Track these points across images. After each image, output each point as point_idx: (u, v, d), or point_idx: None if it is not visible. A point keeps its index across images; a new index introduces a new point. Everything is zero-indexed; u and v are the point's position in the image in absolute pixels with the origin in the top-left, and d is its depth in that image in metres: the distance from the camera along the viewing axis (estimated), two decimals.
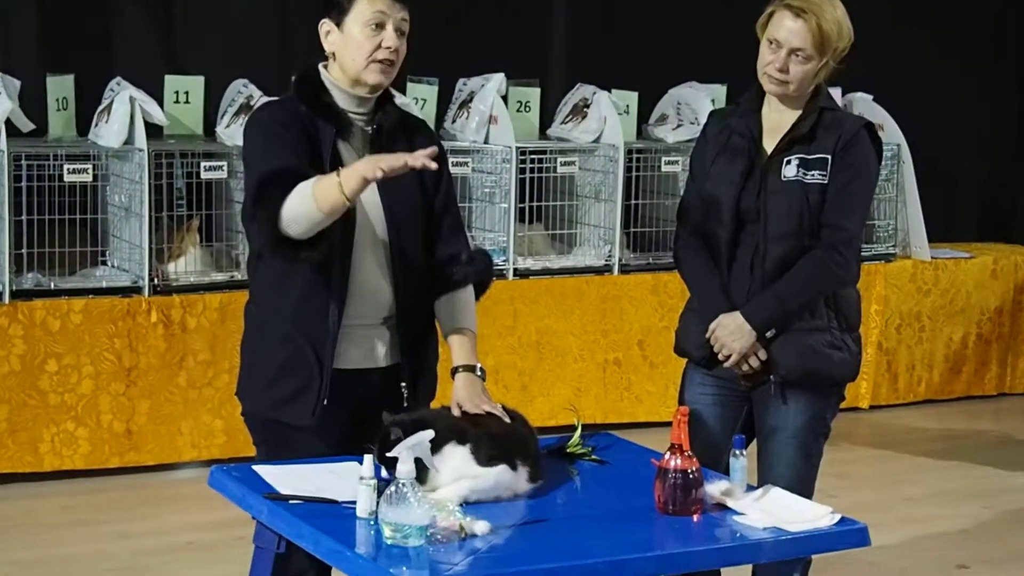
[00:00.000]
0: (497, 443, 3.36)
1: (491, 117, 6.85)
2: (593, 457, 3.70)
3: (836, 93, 6.90)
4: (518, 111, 7.08)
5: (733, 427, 4.11)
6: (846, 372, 4.09)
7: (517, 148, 6.76)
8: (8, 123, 5.99)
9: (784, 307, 3.99)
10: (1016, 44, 8.94)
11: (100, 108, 6.30)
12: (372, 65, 3.57)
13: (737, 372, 4.06)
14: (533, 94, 7.15)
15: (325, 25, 3.62)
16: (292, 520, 3.17)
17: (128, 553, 5.33)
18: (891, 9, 8.35)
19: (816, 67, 3.97)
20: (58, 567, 5.20)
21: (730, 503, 3.34)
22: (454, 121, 6.97)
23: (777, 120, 4.06)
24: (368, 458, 3.16)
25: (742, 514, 3.29)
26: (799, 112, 4.04)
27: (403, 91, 6.70)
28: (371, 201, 3.58)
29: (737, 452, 3.49)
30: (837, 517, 3.30)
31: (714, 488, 3.36)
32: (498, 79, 6.88)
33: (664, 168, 7.10)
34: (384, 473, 3.19)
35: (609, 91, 7.10)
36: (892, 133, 7.53)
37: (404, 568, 2.89)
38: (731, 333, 4.01)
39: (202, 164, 6.22)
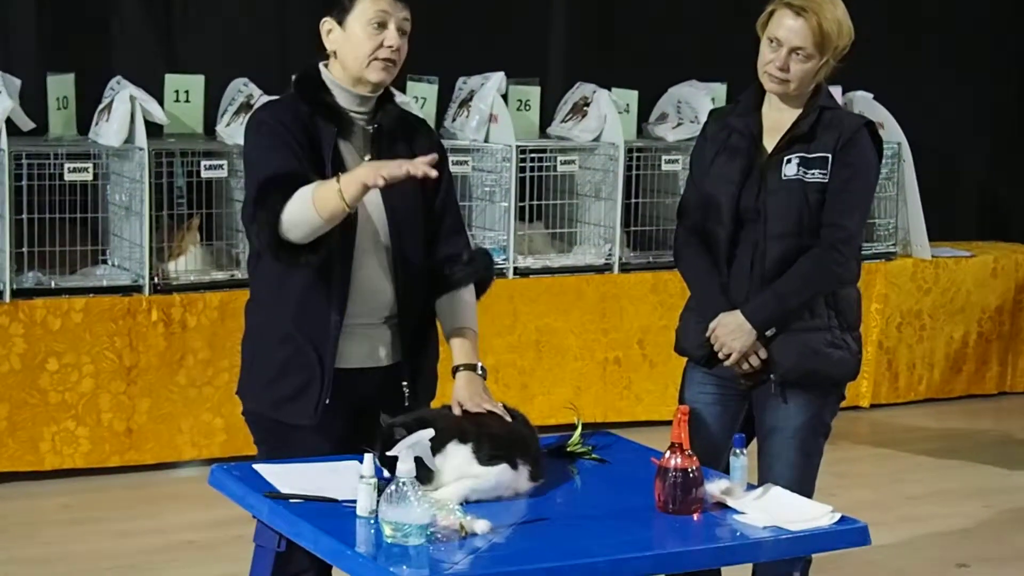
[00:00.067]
0: (498, 442, 3.36)
1: (491, 116, 6.85)
2: (593, 456, 3.70)
3: (836, 92, 6.89)
4: (518, 110, 7.08)
5: (733, 426, 4.11)
6: (846, 371, 4.09)
7: (517, 147, 6.76)
8: (8, 122, 6.00)
9: (784, 306, 3.99)
10: (1016, 42, 8.94)
11: (100, 107, 6.30)
12: (374, 64, 3.57)
13: (737, 371, 4.06)
14: (533, 93, 7.15)
15: (327, 23, 3.62)
16: (292, 519, 3.17)
17: (128, 552, 5.34)
18: (891, 7, 8.35)
19: (816, 66, 3.98)
20: (58, 566, 5.20)
21: (730, 502, 3.34)
22: (454, 120, 6.97)
23: (777, 119, 4.06)
24: (368, 457, 3.16)
25: (742, 513, 3.29)
26: (799, 111, 4.04)
27: (403, 90, 6.70)
28: (372, 201, 3.58)
29: (737, 451, 3.49)
30: (837, 516, 3.30)
31: (714, 487, 3.36)
32: (498, 78, 6.88)
33: (664, 167, 7.10)
34: (385, 472, 3.19)
35: (609, 90, 7.10)
36: (892, 132, 7.53)
37: (404, 567, 2.89)
38: (731, 332, 4.01)
39: (202, 163, 6.22)
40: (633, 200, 7.05)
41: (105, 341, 6.02)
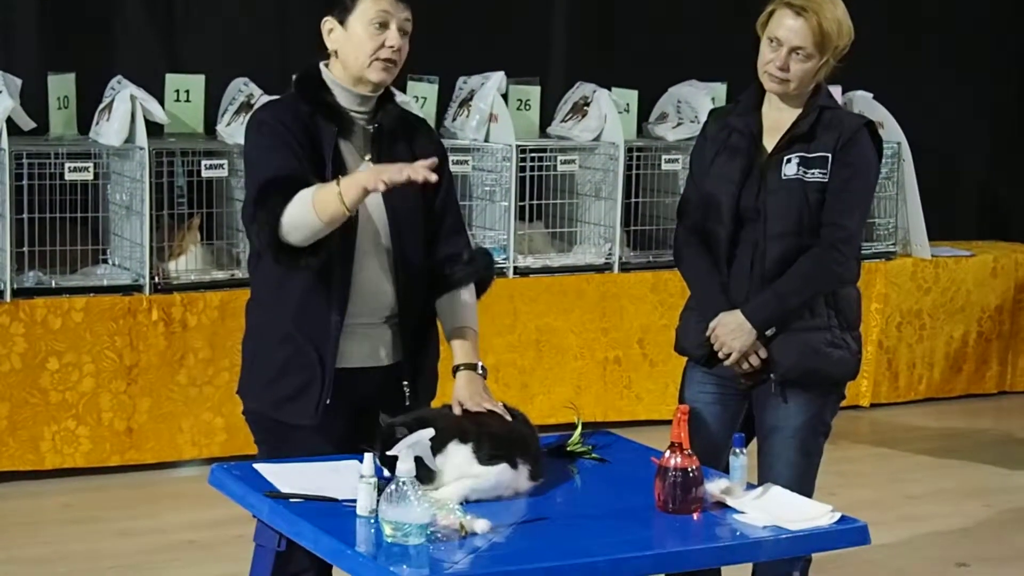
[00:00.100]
0: (498, 442, 3.36)
1: (491, 115, 6.85)
2: (593, 455, 3.70)
3: (836, 91, 6.90)
4: (518, 109, 7.08)
5: (733, 425, 4.11)
6: (846, 371, 4.10)
7: (517, 146, 6.76)
8: (9, 121, 6.00)
9: (784, 305, 3.99)
10: (1016, 42, 8.94)
11: (101, 106, 6.30)
12: (375, 64, 3.57)
13: (737, 371, 4.06)
14: (533, 92, 7.15)
15: (328, 23, 3.62)
16: (292, 518, 3.17)
17: (129, 551, 5.34)
18: (891, 7, 8.36)
19: (816, 65, 3.98)
20: (59, 565, 5.20)
21: (730, 501, 3.34)
22: (454, 119, 6.97)
23: (777, 118, 4.06)
24: (368, 456, 3.16)
25: (742, 512, 3.29)
26: (799, 110, 4.04)
27: (403, 89, 6.70)
28: (373, 201, 3.58)
29: (737, 450, 3.49)
30: (837, 515, 3.30)
31: (714, 486, 3.36)
32: (498, 77, 6.88)
33: (664, 166, 7.10)
34: (385, 472, 3.19)
35: (609, 89, 7.10)
36: (892, 131, 7.53)
37: (404, 566, 2.90)
38: (731, 331, 4.01)
39: (203, 162, 6.23)
40: (633, 200, 7.06)
41: (106, 340, 6.02)
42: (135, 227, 6.14)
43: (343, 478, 3.30)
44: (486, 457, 3.31)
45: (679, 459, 3.29)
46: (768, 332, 4.01)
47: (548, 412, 6.53)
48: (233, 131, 6.32)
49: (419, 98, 6.82)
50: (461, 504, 3.18)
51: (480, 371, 3.62)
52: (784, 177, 3.99)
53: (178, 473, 6.23)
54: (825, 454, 4.15)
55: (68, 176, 6.00)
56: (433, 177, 3.34)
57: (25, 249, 5.99)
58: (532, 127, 7.12)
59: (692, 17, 7.92)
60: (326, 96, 3.62)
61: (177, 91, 6.55)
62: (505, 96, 6.96)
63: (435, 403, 3.71)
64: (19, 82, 6.19)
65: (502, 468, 3.32)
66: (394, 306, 3.64)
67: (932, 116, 8.36)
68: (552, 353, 6.89)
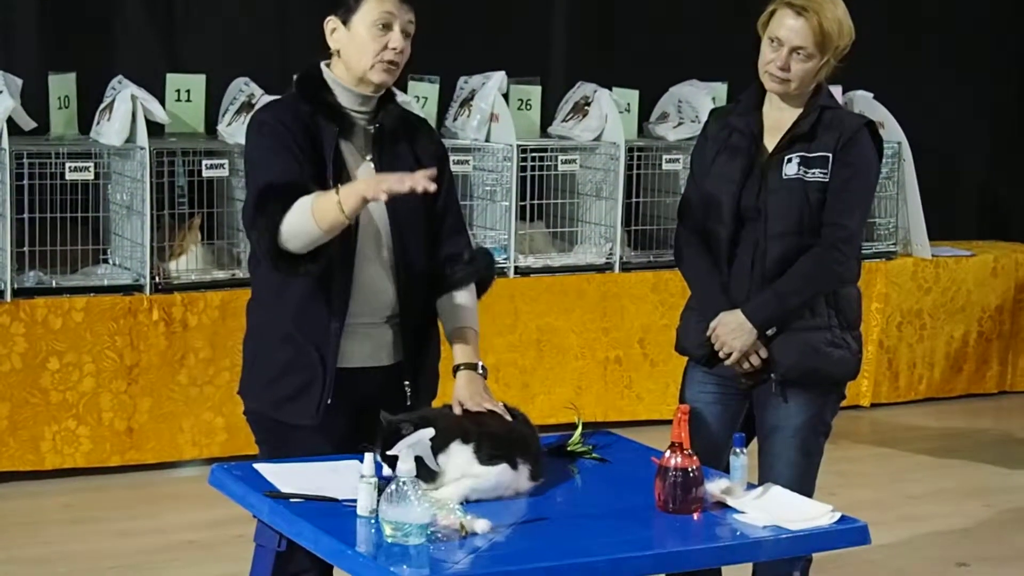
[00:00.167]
0: (498, 442, 3.36)
1: (492, 115, 6.85)
2: (594, 455, 3.71)
3: (837, 91, 6.90)
4: (519, 109, 7.08)
5: (733, 425, 4.11)
6: (846, 370, 4.10)
7: (518, 146, 6.76)
8: (10, 121, 6.00)
9: (784, 305, 3.99)
10: (1016, 42, 8.95)
11: (102, 106, 6.30)
12: (378, 65, 3.57)
13: (737, 370, 4.07)
14: (534, 92, 7.15)
15: (331, 22, 3.62)
16: (292, 518, 3.17)
17: (129, 551, 5.34)
18: (892, 7, 8.36)
19: (817, 65, 3.98)
20: (59, 565, 5.20)
21: (730, 501, 3.34)
22: (455, 119, 6.97)
23: (778, 118, 4.06)
24: (369, 456, 3.16)
25: (742, 512, 3.29)
26: (800, 110, 4.04)
27: (404, 89, 6.70)
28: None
29: (737, 450, 3.49)
30: (837, 515, 3.31)
31: (714, 486, 3.36)
32: (499, 77, 6.88)
33: (665, 166, 7.10)
34: (385, 471, 3.19)
35: (610, 89, 7.10)
36: (893, 131, 7.53)
37: (404, 566, 2.90)
38: (732, 331, 4.01)
39: (203, 162, 6.23)
40: (634, 199, 7.06)
41: (106, 340, 6.02)
42: (136, 227, 6.14)
43: (343, 478, 3.30)
44: (486, 457, 3.31)
45: (679, 459, 3.29)
46: (769, 332, 4.01)
47: (549, 412, 6.54)
48: (234, 131, 6.32)
49: (420, 98, 6.82)
50: (461, 504, 3.18)
51: (480, 371, 3.62)
52: (785, 177, 3.99)
53: (178, 473, 6.24)
54: (825, 454, 4.15)
55: (69, 176, 6.00)
56: (432, 187, 3.34)
57: (26, 249, 5.99)
58: (533, 127, 7.12)
59: (692, 17, 7.93)
60: (327, 96, 3.62)
61: (178, 91, 6.55)
62: (506, 96, 6.96)
63: (436, 403, 3.71)
64: (20, 82, 6.19)
65: (502, 468, 3.32)
66: (395, 306, 3.64)
67: (932, 116, 8.36)
68: (553, 353, 6.89)
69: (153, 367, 6.11)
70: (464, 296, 3.72)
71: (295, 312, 3.57)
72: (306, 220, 3.39)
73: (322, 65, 3.66)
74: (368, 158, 3.63)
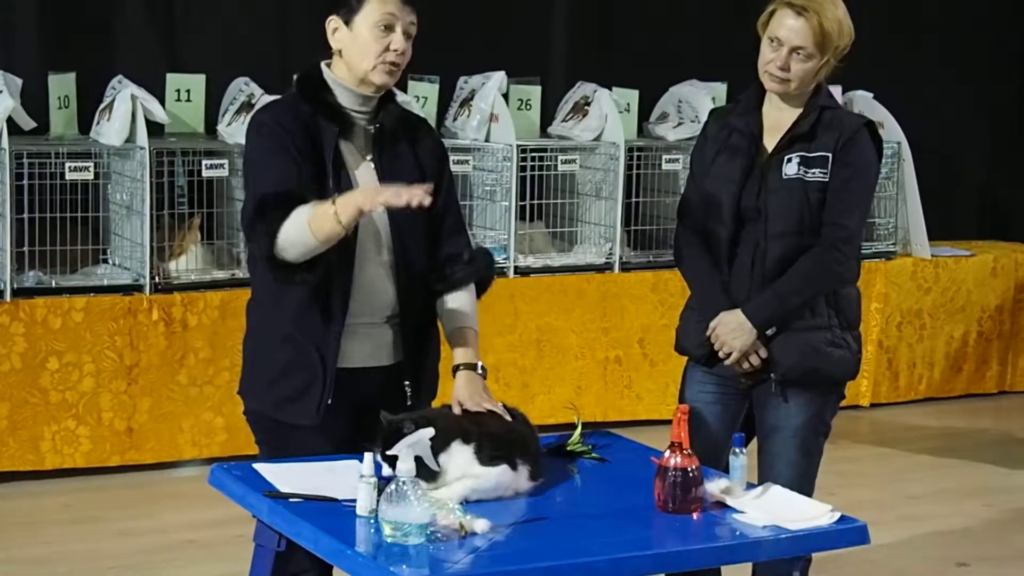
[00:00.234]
0: (498, 442, 3.36)
1: (492, 115, 6.85)
2: (593, 455, 3.71)
3: (836, 91, 6.90)
4: (519, 109, 7.08)
5: (733, 425, 4.11)
6: (846, 370, 4.10)
7: (518, 146, 6.76)
8: (10, 121, 6.00)
9: (784, 305, 3.99)
10: (1016, 42, 8.95)
11: (101, 106, 6.30)
12: (379, 67, 3.57)
13: (737, 370, 4.06)
14: (534, 92, 7.15)
15: (333, 22, 3.61)
16: (292, 518, 3.17)
17: (129, 551, 5.34)
18: (891, 7, 8.36)
19: (817, 65, 3.98)
20: (59, 565, 5.20)
21: (730, 501, 3.34)
22: (455, 119, 6.97)
23: (778, 118, 4.06)
24: (368, 456, 3.16)
25: (742, 512, 3.29)
26: (800, 110, 4.04)
27: (404, 89, 6.70)
28: None
29: (737, 450, 3.49)
30: (837, 515, 3.31)
31: (714, 486, 3.36)
32: (499, 77, 6.88)
33: (665, 166, 7.10)
34: (385, 470, 3.19)
35: (610, 89, 7.10)
36: (892, 131, 7.53)
37: (404, 566, 2.90)
38: (732, 331, 4.01)
39: (203, 162, 6.23)
40: (634, 199, 7.06)
41: (106, 340, 6.02)
42: (135, 227, 6.14)
43: (343, 478, 3.30)
44: (487, 458, 3.31)
45: (679, 459, 3.29)
46: (768, 332, 4.01)
47: (548, 412, 6.54)
48: (234, 131, 6.32)
49: (420, 98, 6.82)
50: (461, 504, 3.18)
51: (480, 371, 3.62)
52: (785, 177, 3.99)
53: (178, 473, 6.24)
54: (825, 454, 4.15)
55: (69, 176, 6.00)
56: (428, 201, 3.33)
57: (25, 249, 5.99)
58: (533, 127, 7.12)
59: (692, 17, 7.93)
60: (327, 96, 3.61)
61: (178, 91, 6.55)
62: (506, 96, 6.96)
63: (435, 403, 3.71)
64: (19, 82, 6.19)
65: (502, 469, 3.32)
66: (395, 306, 3.64)
67: (932, 116, 8.36)
68: (552, 353, 6.89)
69: (153, 367, 6.11)
70: (464, 296, 3.72)
71: (295, 312, 3.57)
72: (303, 231, 3.40)
73: (322, 65, 3.66)
74: (368, 158, 3.63)
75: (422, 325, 3.70)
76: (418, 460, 3.12)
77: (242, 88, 6.56)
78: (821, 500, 3.44)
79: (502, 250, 6.74)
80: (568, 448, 3.72)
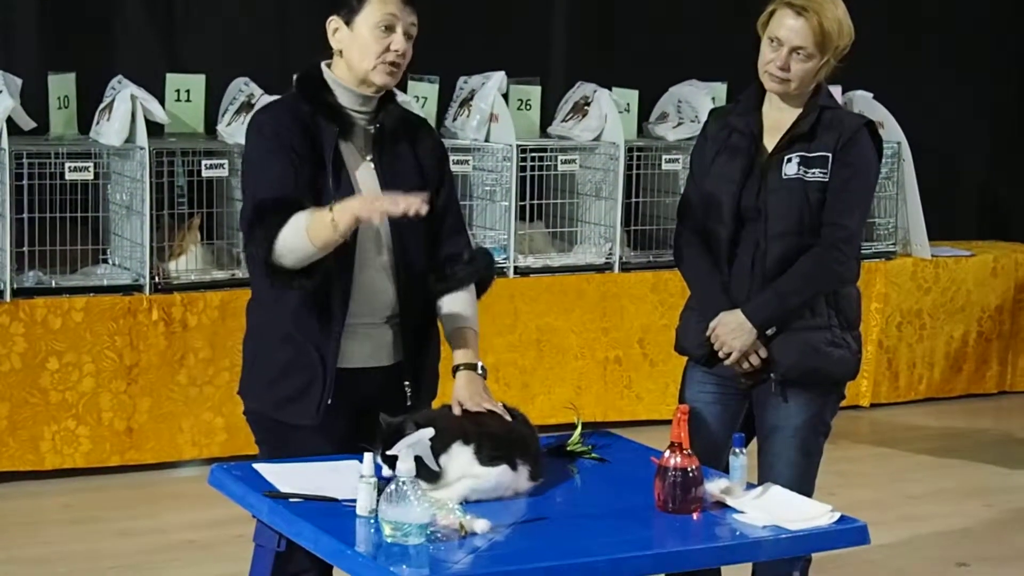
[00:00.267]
0: (498, 442, 3.36)
1: (492, 115, 6.85)
2: (593, 455, 3.70)
3: (836, 91, 6.90)
4: (519, 109, 7.08)
5: (733, 425, 4.11)
6: (846, 370, 4.10)
7: (518, 146, 6.76)
8: (9, 121, 6.00)
9: (784, 305, 3.99)
10: (1016, 42, 8.95)
11: (101, 106, 6.30)
12: (380, 67, 3.56)
13: (737, 370, 4.06)
14: (534, 92, 7.15)
15: (333, 22, 3.61)
16: (292, 518, 3.17)
17: (129, 551, 5.34)
18: (891, 7, 8.36)
19: (817, 65, 3.98)
20: (59, 565, 5.20)
21: (730, 501, 3.34)
22: (455, 119, 6.97)
23: (777, 118, 4.06)
24: (368, 456, 3.16)
25: (742, 512, 3.29)
26: (799, 110, 4.04)
27: (404, 89, 6.70)
28: None
29: (737, 450, 3.49)
30: (837, 515, 3.30)
31: (714, 486, 3.36)
32: (499, 77, 6.88)
33: (665, 166, 7.10)
34: (385, 471, 3.19)
35: (610, 89, 7.10)
36: (892, 131, 7.53)
37: (404, 566, 2.90)
38: (731, 331, 4.01)
39: (203, 162, 6.23)
40: (633, 199, 7.06)
41: (106, 340, 6.02)
42: (135, 227, 6.14)
43: (343, 478, 3.30)
44: (487, 458, 3.31)
45: (679, 459, 3.29)
46: (768, 331, 4.01)
47: (548, 412, 6.54)
48: (234, 131, 6.32)
49: (420, 98, 6.82)
50: (461, 504, 3.18)
51: (480, 371, 3.62)
52: (785, 177, 3.99)
53: (178, 473, 6.23)
54: (825, 454, 4.15)
55: (68, 176, 6.00)
56: (425, 209, 3.33)
57: (25, 249, 5.99)
58: (532, 127, 7.12)
59: (692, 17, 7.93)
60: (327, 96, 3.61)
61: (177, 91, 6.55)
62: (506, 96, 6.96)
63: (436, 403, 3.71)
64: (19, 82, 6.19)
65: (502, 469, 3.32)
66: (395, 306, 3.64)
67: (932, 116, 8.36)
68: (552, 353, 6.89)
69: (153, 367, 6.11)
70: (464, 296, 3.71)
71: (295, 312, 3.56)
72: (301, 237, 3.40)
73: (322, 65, 3.66)
74: (368, 158, 3.63)
75: (422, 325, 3.70)
76: (418, 460, 3.12)
77: (242, 88, 6.56)
78: (821, 500, 3.44)
79: (502, 250, 6.74)
80: (568, 448, 3.72)
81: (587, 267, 7.01)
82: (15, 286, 5.95)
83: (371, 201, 3.35)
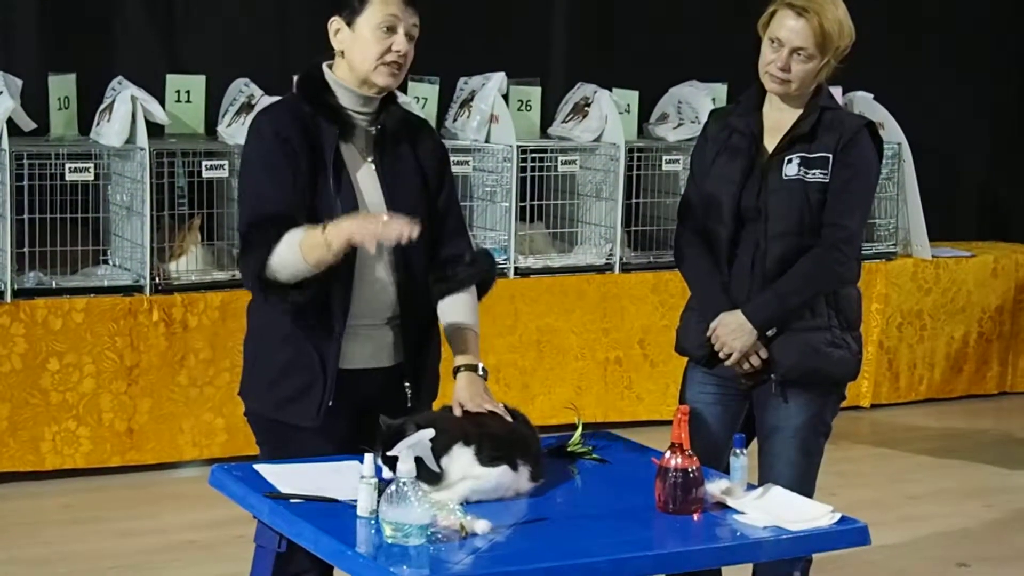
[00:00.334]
0: (499, 443, 3.36)
1: (492, 116, 6.85)
2: (594, 456, 3.70)
3: (837, 92, 6.90)
4: (519, 110, 7.09)
5: (733, 426, 4.11)
6: (846, 371, 4.10)
7: (518, 147, 6.76)
8: (10, 122, 6.00)
9: (785, 306, 3.99)
10: (1017, 42, 8.95)
11: (102, 107, 6.30)
12: (381, 68, 3.56)
13: (738, 371, 4.06)
14: (534, 93, 7.15)
15: (335, 23, 3.61)
16: (293, 519, 3.17)
17: (129, 551, 5.34)
18: (892, 8, 8.36)
19: (817, 66, 3.98)
20: (59, 566, 5.20)
21: (730, 502, 3.34)
22: (455, 120, 6.97)
23: (778, 119, 4.06)
24: (369, 457, 3.16)
25: (742, 513, 3.29)
26: (800, 111, 4.04)
27: (404, 90, 6.70)
28: (375, 203, 3.59)
29: (737, 451, 3.49)
30: (837, 516, 3.30)
31: (714, 487, 3.36)
32: (499, 78, 6.88)
33: (665, 167, 7.11)
34: (385, 472, 3.19)
35: (610, 90, 7.10)
36: (893, 132, 7.53)
37: (405, 567, 2.90)
38: (732, 332, 4.01)
39: (203, 163, 6.23)
40: (634, 200, 7.06)
41: (106, 341, 6.02)
42: (136, 228, 6.14)
43: (343, 479, 3.30)
44: (487, 459, 3.31)
45: (679, 460, 3.29)
46: (769, 332, 4.01)
47: (549, 413, 6.54)
48: (234, 132, 6.32)
49: (420, 99, 6.82)
50: (461, 505, 3.18)
51: (481, 372, 3.61)
52: (785, 177, 3.99)
53: (179, 474, 6.24)
54: (825, 454, 4.15)
55: (69, 177, 6.00)
56: (416, 233, 3.34)
57: (26, 250, 5.99)
58: (533, 128, 7.12)
59: (692, 17, 7.93)
60: (328, 98, 3.61)
61: (178, 92, 6.55)
62: (506, 97, 6.96)
63: (436, 404, 3.71)
64: (20, 83, 6.19)
65: (503, 470, 3.32)
66: (396, 307, 3.64)
67: (932, 116, 8.36)
68: (553, 354, 6.89)
69: (153, 368, 6.11)
70: (465, 298, 3.71)
71: (295, 314, 3.56)
72: (294, 254, 3.42)
73: (324, 66, 3.66)
74: (369, 160, 3.63)
75: (423, 327, 3.70)
76: (419, 461, 3.12)
77: (242, 89, 6.56)
78: (822, 501, 3.44)
79: (502, 251, 6.74)
80: (569, 449, 3.72)
81: (587, 268, 7.01)
82: (16, 287, 5.95)
83: (365, 225, 3.35)
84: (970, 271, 7.91)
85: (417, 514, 2.98)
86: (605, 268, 7.03)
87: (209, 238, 6.45)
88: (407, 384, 3.66)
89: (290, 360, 3.58)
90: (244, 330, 3.75)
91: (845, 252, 4.01)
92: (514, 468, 3.35)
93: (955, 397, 7.94)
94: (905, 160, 7.67)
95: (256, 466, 3.46)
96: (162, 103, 6.37)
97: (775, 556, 3.26)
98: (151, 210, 6.07)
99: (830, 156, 3.99)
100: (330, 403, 3.56)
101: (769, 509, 3.30)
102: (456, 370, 3.62)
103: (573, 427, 3.77)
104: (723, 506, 3.33)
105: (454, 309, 3.70)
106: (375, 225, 3.33)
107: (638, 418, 7.00)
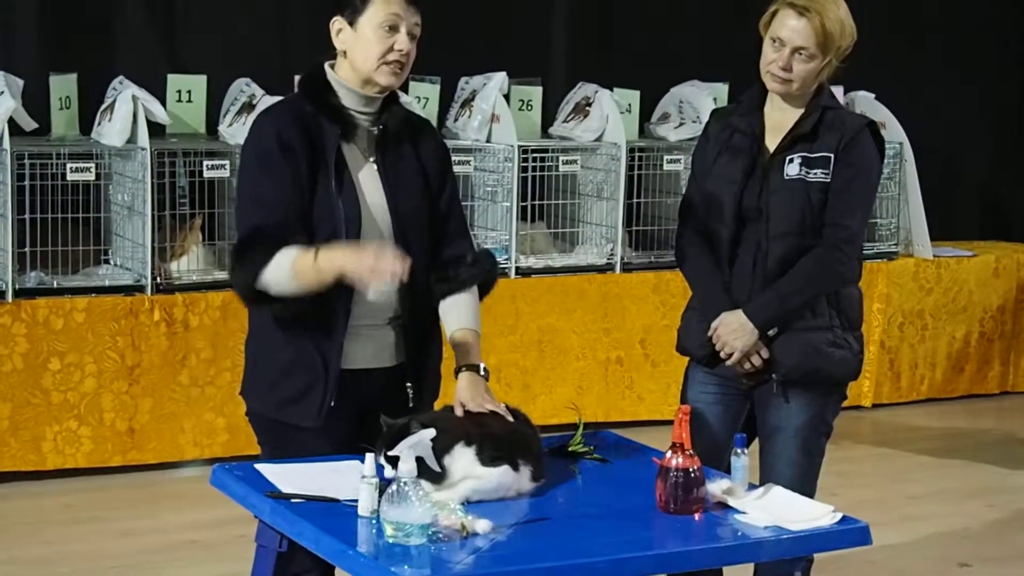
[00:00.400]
0: (500, 443, 3.36)
1: (493, 116, 6.85)
2: (595, 456, 3.70)
3: (838, 91, 6.90)
4: (520, 110, 7.08)
5: (735, 426, 4.11)
6: (848, 371, 4.09)
7: (519, 147, 6.76)
8: (11, 122, 6.00)
9: (786, 305, 3.99)
10: (1019, 42, 8.94)
11: (103, 107, 6.30)
12: (383, 67, 3.56)
13: (739, 371, 4.06)
14: (535, 93, 7.15)
15: (337, 23, 3.61)
16: (294, 519, 3.17)
17: (130, 551, 5.34)
18: (893, 7, 8.36)
19: (819, 66, 3.98)
20: (60, 565, 5.20)
21: (731, 502, 3.34)
22: (456, 120, 6.97)
23: (779, 119, 4.06)
24: (370, 457, 3.16)
25: (743, 513, 3.29)
26: (801, 111, 4.04)
27: (406, 90, 6.70)
28: (377, 203, 3.59)
29: (738, 451, 3.49)
30: (838, 516, 3.30)
31: (715, 487, 3.36)
32: (500, 78, 6.88)
33: (666, 167, 7.10)
34: (386, 472, 3.19)
35: (611, 90, 7.10)
36: (894, 132, 7.53)
37: (405, 567, 2.90)
38: (733, 331, 4.01)
39: (204, 163, 6.23)
40: (635, 200, 7.06)
41: (107, 341, 6.02)
42: (137, 227, 6.14)
43: (345, 478, 3.30)
44: (488, 459, 3.31)
45: (680, 459, 3.29)
46: (770, 332, 4.01)
47: (550, 412, 6.54)
48: (235, 131, 6.32)
49: (421, 98, 6.82)
50: (462, 504, 3.18)
51: (482, 372, 3.61)
52: (786, 177, 3.99)
53: (180, 473, 6.24)
54: (827, 454, 4.15)
55: (70, 176, 6.00)
56: (406, 276, 3.36)
57: (27, 249, 5.99)
58: (534, 127, 7.12)
59: (693, 17, 7.93)
60: (330, 97, 3.61)
61: (179, 91, 6.55)
62: (507, 96, 6.96)
63: (438, 404, 3.71)
64: (21, 82, 6.19)
65: (504, 470, 3.32)
66: (398, 307, 3.64)
67: (934, 116, 8.36)
68: (554, 353, 6.89)
69: (154, 367, 6.11)
70: (466, 298, 3.71)
71: (297, 314, 3.56)
72: (286, 274, 3.44)
73: (326, 66, 3.65)
74: (371, 160, 3.63)
75: (424, 327, 3.70)
76: (420, 461, 3.12)
77: (243, 89, 6.56)
78: (823, 501, 3.44)
79: (503, 251, 6.74)
80: (570, 449, 3.72)
81: (588, 268, 7.01)
82: (17, 287, 5.95)
83: (359, 260, 3.36)
84: (972, 271, 7.91)
85: (418, 514, 2.98)
86: (606, 268, 7.03)
87: (210, 238, 6.45)
88: (408, 384, 3.66)
89: (291, 360, 3.58)
90: (245, 330, 3.75)
91: (846, 252, 4.00)
92: (515, 468, 3.35)
93: (956, 397, 7.93)
94: (907, 160, 7.67)
95: (257, 466, 3.46)
96: (163, 103, 6.37)
97: (776, 556, 3.26)
98: (152, 210, 6.07)
99: (832, 156, 3.99)
100: (332, 403, 3.55)
101: (770, 509, 3.30)
102: (457, 370, 3.62)
103: (574, 427, 3.77)
104: (724, 506, 3.33)
105: (456, 309, 3.70)
106: (369, 260, 3.34)
107: (639, 418, 7.00)
